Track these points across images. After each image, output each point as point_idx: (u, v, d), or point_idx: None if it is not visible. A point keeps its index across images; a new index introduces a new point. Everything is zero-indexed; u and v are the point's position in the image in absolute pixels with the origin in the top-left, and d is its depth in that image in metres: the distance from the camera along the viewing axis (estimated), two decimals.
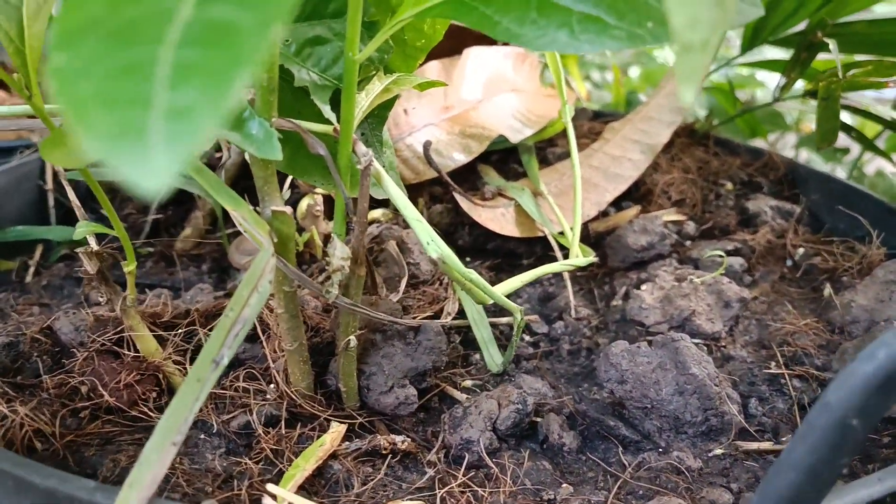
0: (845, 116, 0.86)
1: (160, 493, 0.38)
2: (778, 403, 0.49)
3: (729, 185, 0.72)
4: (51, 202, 0.70)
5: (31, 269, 0.65)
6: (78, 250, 0.44)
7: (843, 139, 0.86)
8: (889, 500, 0.35)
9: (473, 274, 0.44)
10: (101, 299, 0.45)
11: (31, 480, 0.33)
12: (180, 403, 0.33)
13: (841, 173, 1.05)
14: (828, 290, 0.58)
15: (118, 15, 0.20)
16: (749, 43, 0.83)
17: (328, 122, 0.42)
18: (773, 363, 0.52)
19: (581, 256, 0.59)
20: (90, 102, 0.17)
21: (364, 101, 0.44)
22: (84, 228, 0.43)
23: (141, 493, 0.31)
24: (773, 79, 1.02)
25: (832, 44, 0.68)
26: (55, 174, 0.71)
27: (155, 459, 0.32)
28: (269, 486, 0.34)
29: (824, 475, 0.31)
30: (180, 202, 0.70)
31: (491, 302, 0.48)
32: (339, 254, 0.41)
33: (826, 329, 0.55)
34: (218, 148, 0.66)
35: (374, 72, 0.44)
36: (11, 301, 0.59)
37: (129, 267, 0.44)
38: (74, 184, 0.69)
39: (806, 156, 1.05)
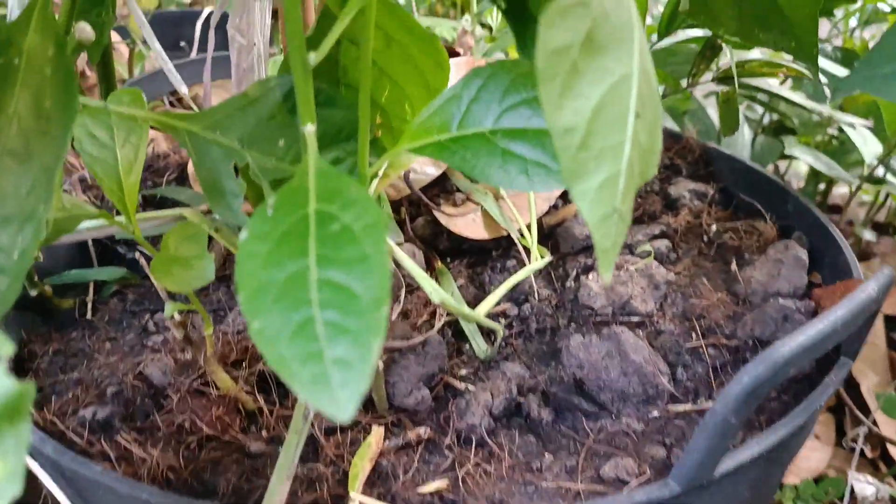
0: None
1: None
2: (698, 369, 0.66)
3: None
4: (90, 244, 0.83)
5: (90, 306, 0.78)
6: (167, 323, 0.58)
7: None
8: (764, 454, 0.52)
9: (465, 308, 0.60)
10: (181, 355, 0.60)
11: None
12: (288, 449, 0.48)
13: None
14: (734, 265, 0.75)
15: (273, 278, 0.34)
16: (665, 30, 0.96)
17: None
18: (694, 334, 0.69)
19: (540, 258, 0.75)
20: (288, 361, 0.31)
21: (371, 189, 0.58)
22: (171, 308, 0.57)
23: None
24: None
25: (727, 49, 0.82)
26: None
27: (277, 490, 0.47)
28: (353, 494, 0.50)
29: (717, 451, 0.48)
30: None
31: (473, 322, 0.64)
32: None
33: (732, 301, 0.72)
34: None
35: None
36: (87, 340, 0.72)
37: (208, 331, 0.58)
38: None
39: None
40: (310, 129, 0.43)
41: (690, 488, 0.49)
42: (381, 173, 0.59)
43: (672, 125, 1.12)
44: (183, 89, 0.65)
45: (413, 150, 0.50)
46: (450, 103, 0.49)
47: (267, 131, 0.51)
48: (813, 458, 1.01)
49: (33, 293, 0.73)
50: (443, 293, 0.58)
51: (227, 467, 0.56)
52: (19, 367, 0.69)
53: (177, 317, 0.59)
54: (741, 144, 1.14)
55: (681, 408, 0.63)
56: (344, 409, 0.30)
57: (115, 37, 1.26)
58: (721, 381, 0.65)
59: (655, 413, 0.63)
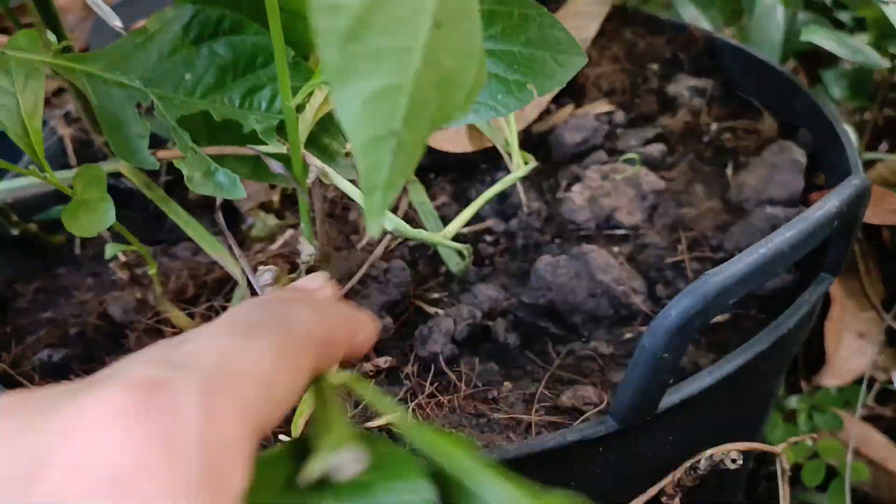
0: None
1: None
2: (679, 285, 0.62)
3: (655, 66, 0.81)
4: None
5: (78, 241, 0.78)
6: (111, 265, 0.57)
7: None
8: (718, 385, 0.48)
9: (423, 233, 0.57)
10: (137, 296, 0.59)
11: None
12: None
13: None
14: (729, 169, 0.69)
15: None
16: None
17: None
18: (679, 247, 0.64)
19: (523, 164, 0.71)
20: None
21: (309, 114, 0.55)
22: (112, 249, 0.56)
23: None
24: None
25: None
26: (75, 151, 0.83)
27: None
28: (282, 437, 0.49)
29: (652, 389, 0.45)
30: None
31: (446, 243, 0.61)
32: (305, 252, 0.54)
33: (724, 209, 0.66)
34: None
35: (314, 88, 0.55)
36: (71, 276, 0.73)
37: (152, 271, 0.57)
38: None
39: None
40: None
41: (631, 425, 0.46)
42: (319, 97, 0.56)
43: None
44: None
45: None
46: None
47: (171, 66, 0.48)
48: (854, 359, 0.96)
49: (15, 232, 0.73)
50: (396, 220, 0.55)
51: None
52: (3, 307, 0.70)
53: (121, 257, 0.58)
54: (774, 24, 1.04)
55: None
56: None
57: None
58: None
59: (628, 335, 0.60)
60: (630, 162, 0.70)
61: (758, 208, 0.62)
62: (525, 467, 0.46)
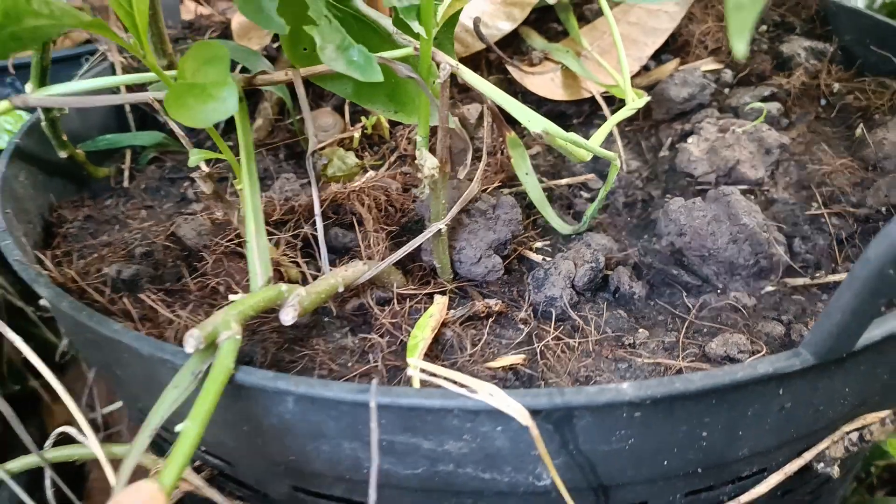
0: None
1: (310, 371, 0.46)
2: (819, 241, 0.56)
3: (762, 28, 0.76)
4: (127, 108, 0.75)
5: (126, 174, 0.71)
6: (193, 175, 0.50)
7: None
8: None
9: (575, 136, 0.50)
10: (217, 214, 0.52)
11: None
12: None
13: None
14: (860, 128, 0.63)
15: None
16: None
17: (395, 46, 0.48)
18: (814, 203, 0.58)
19: (636, 99, 0.64)
20: None
21: (440, 12, 0.48)
22: (196, 156, 0.49)
23: None
24: None
25: None
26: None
27: None
28: (410, 360, 0.42)
29: (865, 314, 0.38)
30: (248, 95, 0.75)
31: (589, 158, 0.54)
32: (429, 165, 0.47)
33: (860, 167, 0.61)
34: None
35: None
36: (121, 207, 0.65)
37: (240, 185, 0.50)
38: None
39: None
40: None
41: (826, 360, 0.39)
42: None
43: None
44: None
45: None
46: None
47: None
48: None
49: (63, 154, 0.65)
50: (544, 121, 0.48)
51: (266, 336, 0.49)
52: (47, 231, 0.62)
53: (204, 168, 0.51)
54: None
55: (800, 281, 0.53)
56: None
57: None
58: (848, 253, 0.55)
59: (769, 288, 0.53)
60: (752, 113, 0.64)
61: None
62: (699, 403, 0.39)
